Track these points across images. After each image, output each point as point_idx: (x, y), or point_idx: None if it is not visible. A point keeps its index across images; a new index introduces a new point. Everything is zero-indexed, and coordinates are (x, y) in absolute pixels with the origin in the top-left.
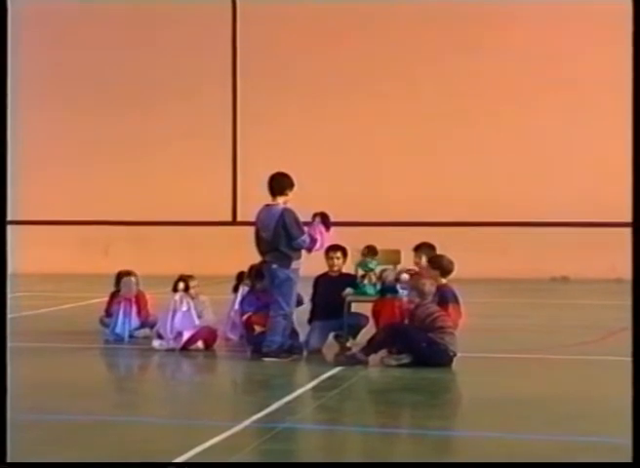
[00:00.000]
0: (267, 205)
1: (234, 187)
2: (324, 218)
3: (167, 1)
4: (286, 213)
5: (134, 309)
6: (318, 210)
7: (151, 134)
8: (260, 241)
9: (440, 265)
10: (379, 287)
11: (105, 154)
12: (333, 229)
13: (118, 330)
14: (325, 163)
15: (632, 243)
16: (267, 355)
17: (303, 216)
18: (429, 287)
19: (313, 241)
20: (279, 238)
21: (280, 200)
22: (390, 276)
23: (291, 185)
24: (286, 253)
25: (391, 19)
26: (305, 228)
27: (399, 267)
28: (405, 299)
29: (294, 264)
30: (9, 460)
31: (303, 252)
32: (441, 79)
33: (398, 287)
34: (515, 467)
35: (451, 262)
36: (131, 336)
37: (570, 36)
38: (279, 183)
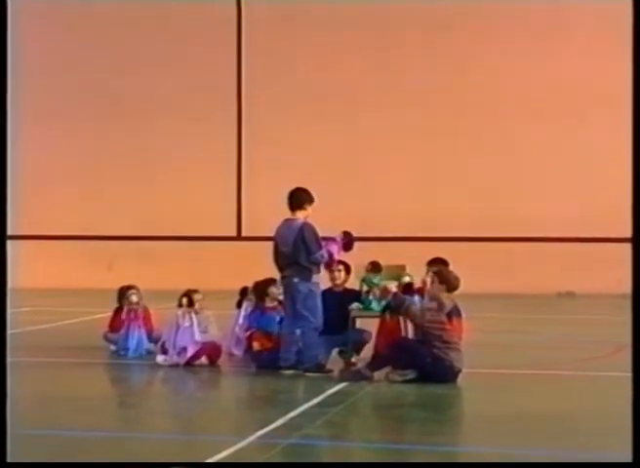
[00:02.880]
0: (287, 219)
1: (239, 202)
2: (349, 239)
3: (176, 19)
4: (306, 227)
5: (141, 323)
6: (321, 222)
7: (156, 148)
8: (279, 255)
9: (447, 280)
10: (384, 303)
11: (110, 169)
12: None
13: (129, 344)
14: (330, 178)
15: (632, 258)
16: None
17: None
18: (448, 301)
19: (330, 257)
20: (299, 252)
21: (299, 215)
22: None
23: (310, 200)
24: (306, 267)
25: (397, 33)
26: (323, 243)
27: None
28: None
29: (314, 278)
30: (9, 460)
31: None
32: (449, 92)
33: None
34: (517, 467)
35: (457, 279)
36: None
37: (570, 46)
38: (297, 198)
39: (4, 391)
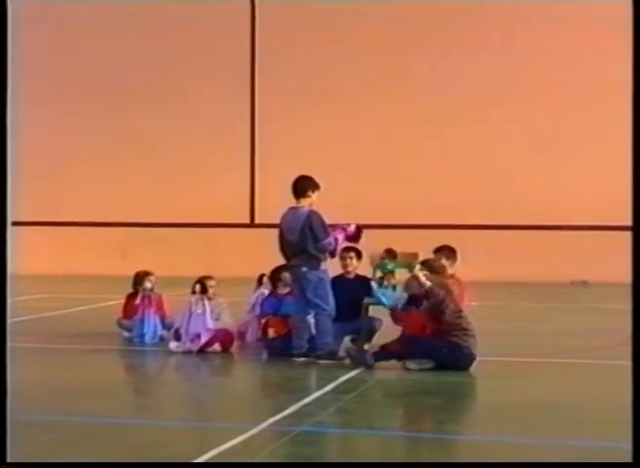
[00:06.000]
0: (292, 207)
1: (252, 189)
2: (358, 233)
3: (190, 9)
4: (312, 215)
5: (155, 310)
6: (334, 210)
7: (169, 135)
8: (285, 244)
9: (432, 268)
10: (398, 290)
11: (124, 156)
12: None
13: (145, 330)
14: (344, 164)
15: (632, 246)
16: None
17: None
18: (454, 287)
19: (337, 244)
20: (306, 239)
21: (304, 202)
22: (415, 287)
23: (314, 188)
24: (314, 255)
25: (404, 21)
26: (330, 230)
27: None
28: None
29: (322, 265)
30: (9, 460)
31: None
32: (462, 79)
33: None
34: (516, 467)
35: (444, 267)
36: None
37: (572, 37)
38: (302, 186)
39: (4, 392)
